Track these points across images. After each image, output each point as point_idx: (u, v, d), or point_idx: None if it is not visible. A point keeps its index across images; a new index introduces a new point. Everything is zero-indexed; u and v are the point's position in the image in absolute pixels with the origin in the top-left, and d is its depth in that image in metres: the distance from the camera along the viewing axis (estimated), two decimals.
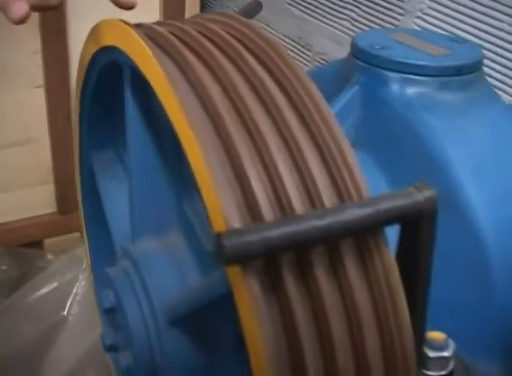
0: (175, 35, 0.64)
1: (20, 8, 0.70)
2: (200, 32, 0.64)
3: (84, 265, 1.74)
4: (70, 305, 1.69)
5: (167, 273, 0.71)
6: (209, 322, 0.68)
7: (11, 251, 1.88)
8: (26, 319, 1.66)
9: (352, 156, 0.52)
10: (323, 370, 0.50)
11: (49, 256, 1.91)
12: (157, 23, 0.71)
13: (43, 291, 1.70)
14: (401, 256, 0.54)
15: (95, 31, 0.75)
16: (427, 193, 0.51)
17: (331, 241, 0.49)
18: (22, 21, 0.72)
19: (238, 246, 0.43)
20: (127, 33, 0.65)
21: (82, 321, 1.66)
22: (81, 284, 1.71)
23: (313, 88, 0.56)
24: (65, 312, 1.68)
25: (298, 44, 1.77)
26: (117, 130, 0.90)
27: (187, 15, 1.88)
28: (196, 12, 1.90)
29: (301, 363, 0.49)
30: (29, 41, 1.56)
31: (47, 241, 2.00)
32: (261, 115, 0.52)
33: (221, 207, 0.48)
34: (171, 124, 0.55)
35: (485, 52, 1.23)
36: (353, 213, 0.47)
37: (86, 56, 0.80)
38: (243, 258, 0.44)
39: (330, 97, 0.80)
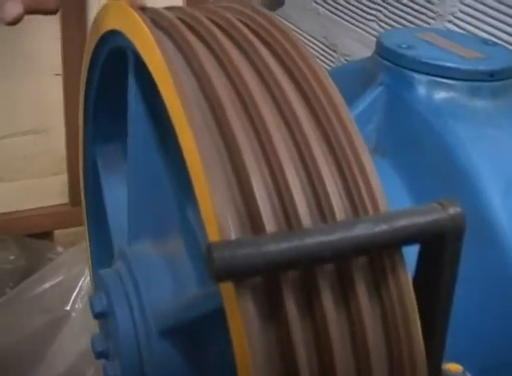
0: (181, 19, 0.58)
1: (14, 8, 0.67)
2: (208, 17, 0.59)
3: None
4: (73, 301, 1.65)
5: (163, 281, 0.66)
6: (205, 337, 0.63)
7: (20, 240, 1.84)
8: (30, 311, 1.62)
9: (370, 163, 0.46)
10: None
11: (59, 248, 1.87)
12: (166, 8, 0.66)
13: (48, 283, 1.67)
14: (419, 280, 0.48)
15: (100, 15, 0.70)
16: (453, 210, 0.45)
17: (340, 260, 0.43)
18: (14, 23, 0.68)
19: (230, 260, 0.38)
20: (130, 16, 0.59)
21: (85, 318, 1.62)
22: (87, 279, 1.67)
23: (329, 82, 0.50)
24: (68, 308, 1.64)
25: (323, 44, 1.71)
26: (124, 123, 0.85)
27: None
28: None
29: None
30: (48, 28, 1.51)
31: (57, 232, 1.97)
32: (268, 110, 0.46)
33: (217, 213, 0.42)
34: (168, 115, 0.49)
35: None
36: (366, 229, 0.41)
37: (91, 42, 0.75)
38: (236, 274, 0.38)
39: (353, 96, 0.74)
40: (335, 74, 0.54)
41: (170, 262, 0.67)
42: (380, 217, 0.43)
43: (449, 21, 1.31)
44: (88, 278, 1.68)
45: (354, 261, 0.43)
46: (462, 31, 1.28)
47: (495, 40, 1.21)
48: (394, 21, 1.46)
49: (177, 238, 0.69)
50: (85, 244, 1.74)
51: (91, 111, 0.85)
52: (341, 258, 0.42)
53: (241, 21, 0.58)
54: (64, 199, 1.95)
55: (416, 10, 1.38)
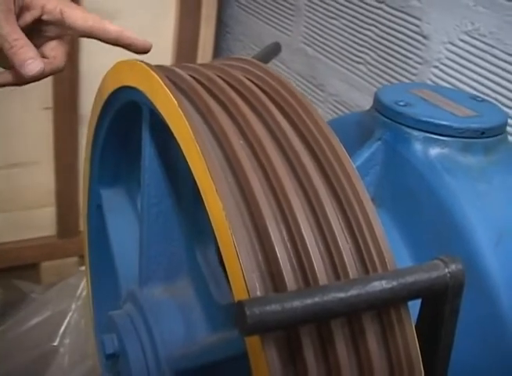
0: (198, 81, 0.62)
1: (36, 65, 0.71)
2: (223, 79, 0.63)
3: (77, 294, 1.72)
4: (61, 336, 1.66)
5: (175, 324, 0.70)
6: None
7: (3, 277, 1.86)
8: (17, 348, 1.64)
9: (378, 223, 0.51)
10: None
11: (40, 287, 1.88)
12: (178, 65, 0.69)
13: (36, 319, 1.68)
14: (421, 329, 0.52)
15: (115, 70, 0.74)
16: (454, 266, 0.49)
17: (354, 314, 0.47)
18: (34, 80, 0.73)
19: (260, 317, 0.42)
20: (149, 76, 0.63)
21: (73, 353, 1.64)
22: (74, 315, 1.69)
23: (340, 147, 0.55)
24: (56, 343, 1.65)
25: (311, 83, 1.76)
26: (130, 166, 0.89)
27: (200, 50, 1.88)
28: (209, 47, 1.91)
29: None
30: None
31: (43, 264, 1.98)
32: (286, 176, 0.51)
33: (244, 272, 0.46)
34: (195, 181, 0.53)
35: (501, 106, 1.23)
36: (378, 286, 0.46)
37: (104, 93, 0.79)
38: (265, 329, 0.42)
39: (351, 148, 0.78)
40: (333, 125, 0.58)
41: (180, 305, 0.71)
42: (389, 275, 0.47)
43: (435, 67, 1.36)
44: (76, 314, 1.70)
45: (365, 314, 0.48)
46: (447, 78, 1.33)
47: (479, 86, 1.26)
48: (382, 64, 1.50)
49: (186, 281, 0.73)
50: (70, 280, 1.77)
51: (99, 156, 0.88)
52: (355, 312, 0.46)
53: (256, 84, 0.62)
54: (52, 231, 1.97)
55: (403, 55, 1.44)
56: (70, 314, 1.70)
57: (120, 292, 0.81)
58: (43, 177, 1.88)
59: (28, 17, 0.75)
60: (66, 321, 1.69)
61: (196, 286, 0.71)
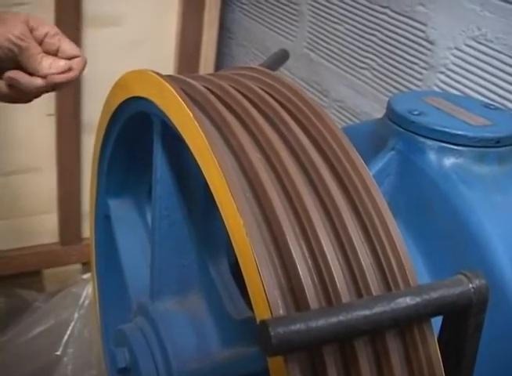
0: (212, 92, 0.61)
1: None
2: (236, 89, 0.62)
3: (80, 303, 1.72)
4: (64, 345, 1.65)
5: (187, 336, 0.69)
6: None
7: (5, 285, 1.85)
8: (20, 358, 1.63)
9: (400, 238, 0.50)
10: None
11: (43, 296, 1.87)
12: (189, 75, 0.68)
13: (39, 329, 1.67)
14: (444, 344, 0.51)
15: (124, 80, 0.73)
16: (478, 281, 0.48)
17: (378, 332, 0.46)
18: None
19: (284, 336, 0.41)
20: (161, 86, 0.62)
21: (76, 362, 1.63)
22: (77, 324, 1.68)
23: (358, 158, 0.54)
24: (59, 352, 1.64)
25: (315, 89, 1.75)
26: (138, 178, 0.88)
27: (202, 56, 1.87)
28: (211, 53, 1.90)
29: None
30: None
31: (46, 272, 1.97)
32: (305, 191, 0.50)
33: (266, 291, 0.45)
34: (209, 193, 0.52)
35: None
36: (402, 302, 0.45)
37: (113, 103, 0.78)
38: (289, 349, 0.41)
39: (364, 158, 0.77)
40: (345, 133, 0.58)
41: (192, 319, 0.70)
42: (413, 291, 0.46)
43: (441, 72, 1.36)
44: (79, 323, 1.69)
45: (388, 331, 0.47)
46: (453, 83, 1.33)
47: (486, 92, 1.25)
48: (387, 70, 1.49)
49: (198, 294, 0.72)
50: (73, 288, 1.76)
51: (106, 166, 0.87)
52: (379, 330, 0.45)
53: (269, 94, 0.61)
54: (54, 238, 1.96)
55: (408, 60, 1.43)
56: (73, 323, 1.69)
57: (130, 304, 0.80)
58: (45, 183, 1.87)
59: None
60: (69, 330, 1.68)
61: (209, 299, 0.70)
